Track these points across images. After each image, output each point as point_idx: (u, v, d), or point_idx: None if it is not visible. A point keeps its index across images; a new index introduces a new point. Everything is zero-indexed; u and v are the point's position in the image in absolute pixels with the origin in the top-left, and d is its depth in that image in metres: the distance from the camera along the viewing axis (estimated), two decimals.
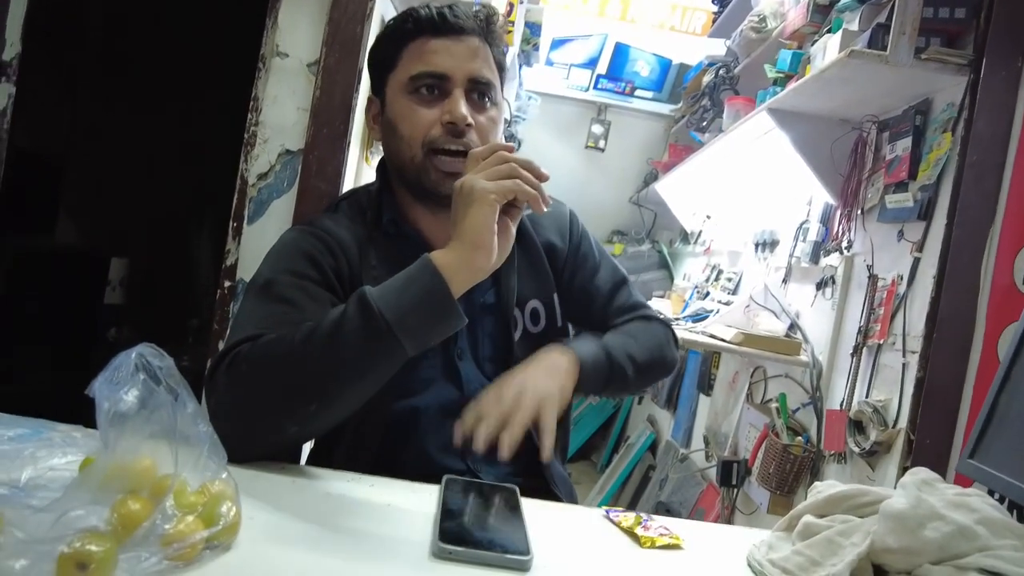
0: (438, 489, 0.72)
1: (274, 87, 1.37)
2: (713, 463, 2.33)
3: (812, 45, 1.78)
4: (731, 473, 2.12)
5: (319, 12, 1.36)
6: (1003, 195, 1.38)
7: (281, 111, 1.37)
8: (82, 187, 3.31)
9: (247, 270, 1.37)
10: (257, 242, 1.36)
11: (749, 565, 0.70)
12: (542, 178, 0.77)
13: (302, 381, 0.73)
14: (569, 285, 1.04)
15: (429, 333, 0.74)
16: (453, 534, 0.61)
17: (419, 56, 0.90)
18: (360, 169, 1.54)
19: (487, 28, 0.93)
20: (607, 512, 0.77)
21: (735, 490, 2.16)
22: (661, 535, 0.71)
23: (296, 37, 1.36)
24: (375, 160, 1.68)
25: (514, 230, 0.79)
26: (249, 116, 1.38)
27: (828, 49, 1.63)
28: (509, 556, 0.59)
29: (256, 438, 0.74)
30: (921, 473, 0.69)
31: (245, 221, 1.37)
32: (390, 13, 1.58)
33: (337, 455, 0.92)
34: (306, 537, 0.59)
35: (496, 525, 0.66)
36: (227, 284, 1.40)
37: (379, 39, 0.97)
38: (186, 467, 0.52)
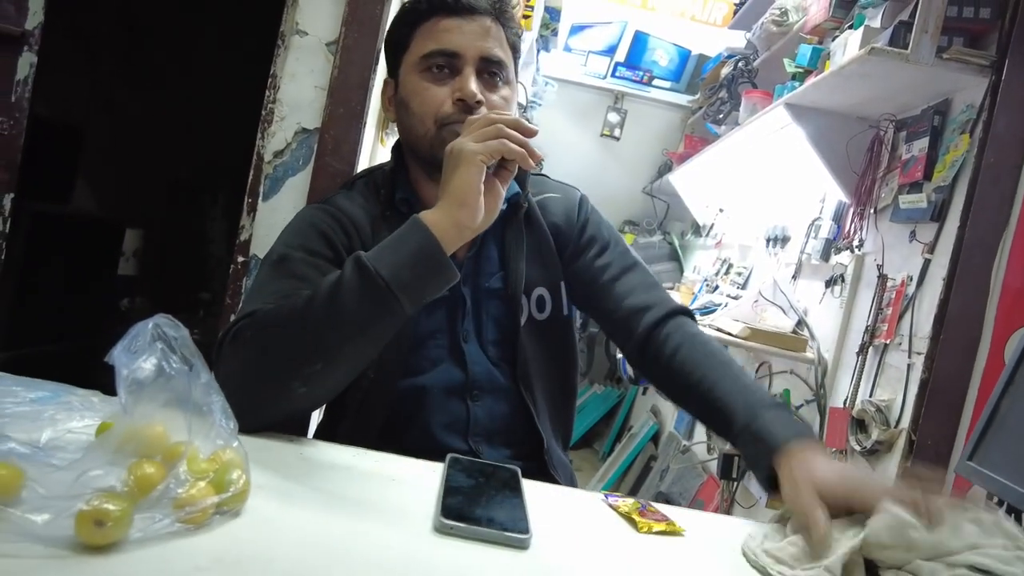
0: (442, 466, 0.74)
1: (292, 65, 1.38)
2: (714, 456, 2.34)
3: (833, 41, 1.77)
4: (732, 466, 2.13)
5: None
6: (1019, 198, 1.37)
7: (299, 89, 1.37)
8: (100, 155, 3.33)
9: (261, 246, 1.39)
10: (271, 219, 1.38)
11: (744, 554, 0.71)
12: (529, 133, 0.78)
13: (305, 341, 0.75)
14: (571, 265, 1.03)
15: (424, 287, 0.76)
16: (455, 510, 0.63)
17: (431, 35, 0.91)
18: (375, 149, 1.55)
19: (500, 8, 0.93)
20: (606, 497, 0.78)
21: (735, 483, 2.17)
22: (658, 521, 0.72)
23: (316, 15, 1.37)
24: (390, 141, 1.69)
25: (503, 191, 0.80)
26: (267, 93, 1.39)
27: (849, 45, 1.61)
28: (508, 534, 0.61)
29: (265, 402, 0.76)
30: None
31: (260, 198, 1.39)
32: None
33: (342, 430, 0.94)
34: (312, 505, 0.61)
35: (497, 504, 0.68)
36: (240, 259, 1.42)
37: (394, 21, 0.98)
38: (199, 435, 0.54)
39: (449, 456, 0.76)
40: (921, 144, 1.58)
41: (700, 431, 2.66)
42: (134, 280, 3.52)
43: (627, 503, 0.76)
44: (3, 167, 1.46)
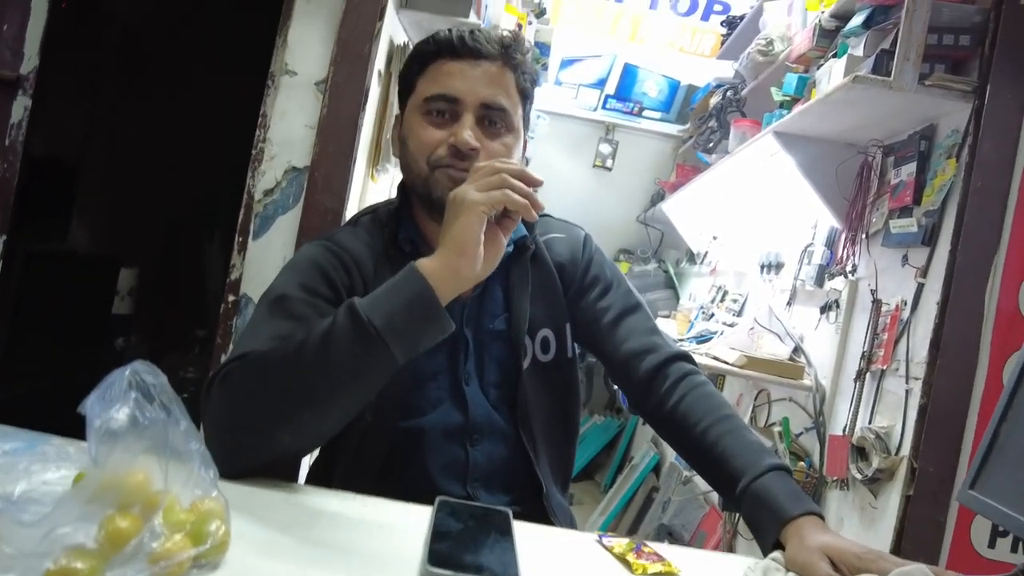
0: (431, 511, 0.72)
1: (282, 104, 1.39)
2: None
3: (818, 69, 1.79)
4: None
5: (328, 31, 1.38)
6: (1008, 221, 1.38)
7: (288, 128, 1.39)
8: (96, 193, 3.34)
9: (251, 285, 1.39)
10: (262, 257, 1.37)
11: None
12: (534, 184, 0.78)
13: (293, 388, 0.73)
14: (575, 304, 1.02)
15: (417, 338, 0.75)
16: (442, 556, 0.61)
17: (435, 78, 0.91)
18: (366, 187, 1.56)
19: (509, 53, 0.92)
20: (600, 537, 0.76)
21: (737, 516, 2.14)
22: (653, 562, 0.70)
23: (305, 55, 1.38)
24: (381, 178, 1.70)
25: (504, 240, 0.80)
26: (257, 132, 1.40)
27: (833, 73, 1.63)
28: None
29: (250, 449, 0.74)
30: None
31: (251, 236, 1.39)
32: (399, 32, 1.61)
33: (338, 472, 0.92)
34: (295, 554, 0.59)
35: (487, 548, 0.66)
36: (231, 298, 1.41)
37: (406, 62, 0.98)
38: (176, 484, 0.52)
39: (438, 499, 0.75)
40: (909, 169, 1.59)
41: None
42: (130, 319, 3.51)
43: (621, 544, 0.74)
44: None
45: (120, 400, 0.48)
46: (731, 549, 2.08)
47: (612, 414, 3.92)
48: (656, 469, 3.20)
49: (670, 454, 3.06)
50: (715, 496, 2.29)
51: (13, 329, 2.55)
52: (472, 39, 0.90)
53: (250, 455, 0.75)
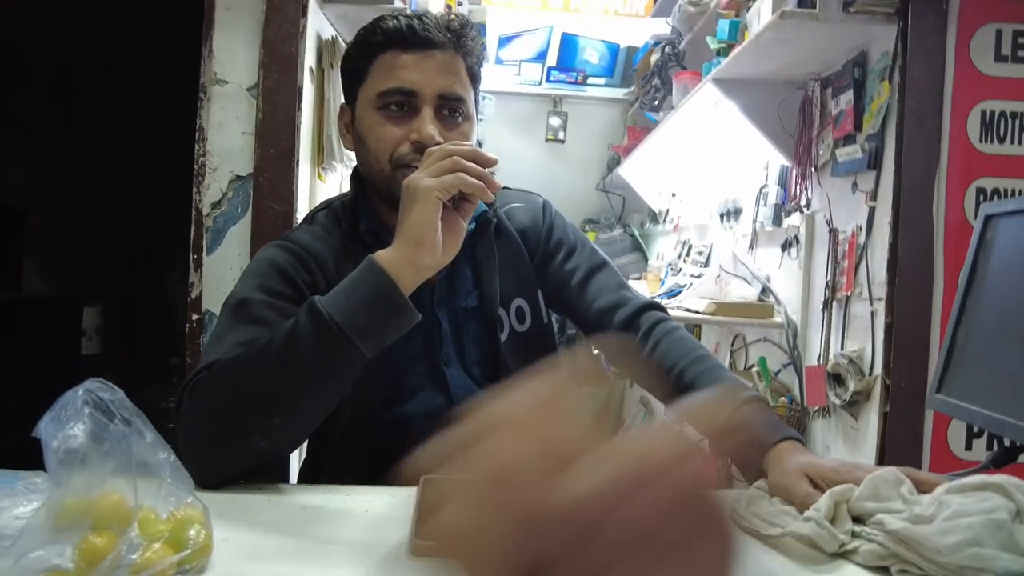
0: (415, 490, 0.73)
1: (217, 114, 1.36)
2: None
3: (748, 12, 1.81)
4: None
5: (253, 35, 1.36)
6: (944, 135, 1.41)
7: (227, 137, 1.36)
8: (47, 234, 3.26)
9: (212, 300, 1.37)
10: (218, 271, 1.36)
11: (732, 520, 0.71)
12: (488, 163, 0.77)
13: (262, 395, 0.73)
14: (543, 271, 1.02)
15: (382, 331, 0.75)
16: (430, 530, 0.62)
17: (388, 72, 0.88)
18: (314, 186, 1.54)
19: (459, 39, 0.90)
20: None
21: (730, 459, 2.18)
22: None
23: (233, 62, 1.36)
24: (329, 176, 1.68)
25: (464, 225, 0.79)
26: (196, 146, 1.38)
27: (762, 13, 1.65)
28: None
29: (226, 457, 0.74)
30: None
31: (204, 252, 1.37)
32: (325, 27, 1.58)
33: (326, 470, 0.92)
34: (282, 551, 0.59)
35: None
36: (195, 317, 1.39)
37: (348, 50, 0.95)
38: (148, 496, 0.52)
39: (423, 478, 0.75)
40: (847, 97, 1.62)
41: None
42: (100, 358, 3.44)
43: None
44: None
45: (75, 418, 0.47)
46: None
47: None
48: None
49: (659, 411, 3.10)
50: (706, 444, 2.33)
51: None
52: (422, 28, 0.88)
53: (228, 463, 0.75)
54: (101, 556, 0.47)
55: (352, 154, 0.97)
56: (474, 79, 0.94)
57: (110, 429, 0.51)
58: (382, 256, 0.76)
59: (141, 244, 3.55)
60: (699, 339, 2.58)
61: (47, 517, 0.46)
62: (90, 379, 0.53)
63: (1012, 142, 1.40)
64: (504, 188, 1.05)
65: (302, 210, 1.38)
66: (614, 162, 3.65)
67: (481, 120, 3.42)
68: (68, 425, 0.47)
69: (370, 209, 0.96)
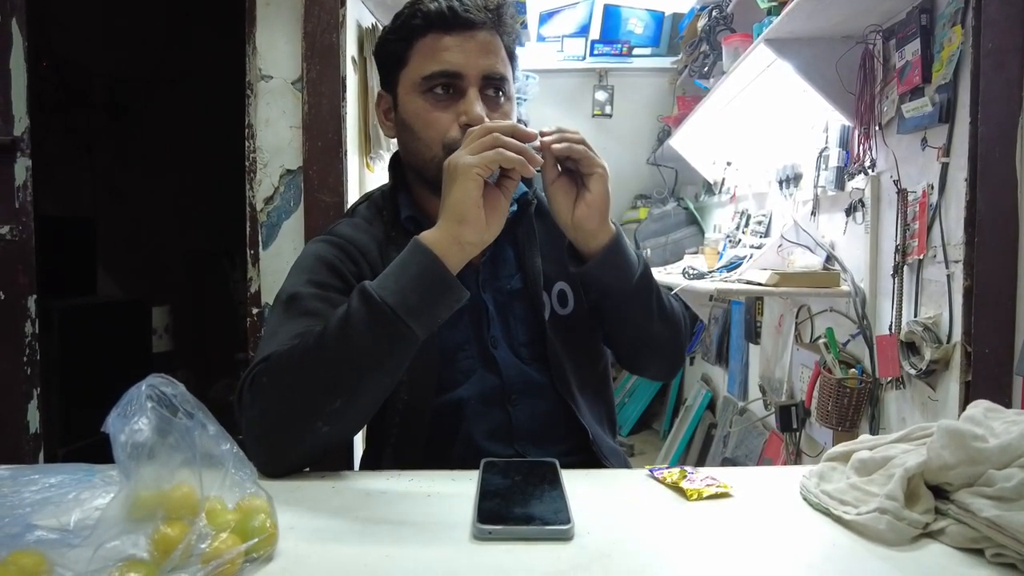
0: (477, 473, 0.72)
1: (264, 110, 1.38)
2: (771, 411, 2.28)
3: None
4: (790, 417, 2.08)
5: (294, 29, 1.36)
6: None
7: (275, 132, 1.38)
8: (116, 241, 3.43)
9: (271, 295, 1.40)
10: (275, 265, 1.38)
11: (804, 498, 0.68)
12: (528, 139, 0.77)
13: (321, 380, 0.74)
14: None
15: (433, 310, 0.75)
16: (492, 513, 0.61)
17: (431, 54, 0.87)
18: (363, 176, 1.55)
19: (497, 17, 0.90)
20: (651, 471, 0.76)
21: (797, 434, 2.11)
22: (708, 485, 0.69)
23: (276, 57, 1.37)
24: (377, 165, 1.69)
25: (507, 202, 0.79)
26: (246, 143, 1.40)
27: None
28: (549, 528, 0.59)
29: (291, 445, 0.75)
30: (983, 403, 0.65)
31: (260, 247, 1.40)
32: (365, 15, 1.58)
33: (386, 456, 0.93)
34: (346, 537, 0.60)
35: (535, 499, 0.66)
36: (255, 311, 1.43)
37: (385, 34, 0.94)
38: (213, 487, 0.53)
39: (483, 461, 0.75)
40: (913, 47, 1.52)
41: (754, 390, 2.59)
42: (172, 355, 3.60)
43: (673, 473, 0.73)
44: (20, 271, 1.49)
45: (139, 413, 0.48)
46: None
47: None
48: (711, 406, 3.18)
49: (722, 388, 3.03)
50: (772, 420, 2.26)
51: (62, 385, 2.64)
52: (463, 9, 0.87)
53: (292, 451, 0.76)
54: (174, 546, 0.48)
55: (394, 142, 0.97)
56: (512, 57, 0.93)
57: (174, 422, 0.52)
58: (427, 236, 0.76)
59: (204, 246, 3.69)
60: (761, 313, 2.50)
61: (121, 509, 0.47)
62: (152, 374, 0.54)
63: None
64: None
65: (352, 200, 1.39)
66: (664, 134, 3.56)
67: (525, 100, 3.38)
68: (133, 420, 0.48)
69: (410, 197, 0.96)
